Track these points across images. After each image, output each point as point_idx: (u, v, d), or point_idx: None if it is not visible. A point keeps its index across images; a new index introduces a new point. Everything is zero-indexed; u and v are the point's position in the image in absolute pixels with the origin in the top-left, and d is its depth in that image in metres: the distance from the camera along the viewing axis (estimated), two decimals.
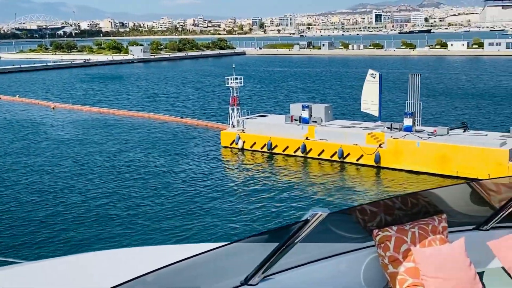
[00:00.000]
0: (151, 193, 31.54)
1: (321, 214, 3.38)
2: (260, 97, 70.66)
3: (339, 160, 36.92)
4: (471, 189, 4.54)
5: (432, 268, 3.94)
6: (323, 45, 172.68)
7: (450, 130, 35.14)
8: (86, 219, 27.26)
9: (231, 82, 44.20)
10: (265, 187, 32.51)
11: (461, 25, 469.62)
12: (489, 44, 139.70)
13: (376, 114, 39.56)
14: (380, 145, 35.52)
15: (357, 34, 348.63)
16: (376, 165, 35.34)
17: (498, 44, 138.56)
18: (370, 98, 39.58)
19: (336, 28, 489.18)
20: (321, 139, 38.31)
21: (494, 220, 4.56)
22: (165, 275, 3.20)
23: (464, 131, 35.23)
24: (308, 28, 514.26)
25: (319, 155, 38.01)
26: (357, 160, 36.32)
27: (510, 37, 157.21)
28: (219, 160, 39.31)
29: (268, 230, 3.90)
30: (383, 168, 35.16)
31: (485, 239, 4.43)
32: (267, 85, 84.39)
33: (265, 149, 40.35)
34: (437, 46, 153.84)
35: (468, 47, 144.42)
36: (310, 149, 38.38)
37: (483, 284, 4.14)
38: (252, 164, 38.19)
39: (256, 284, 3.73)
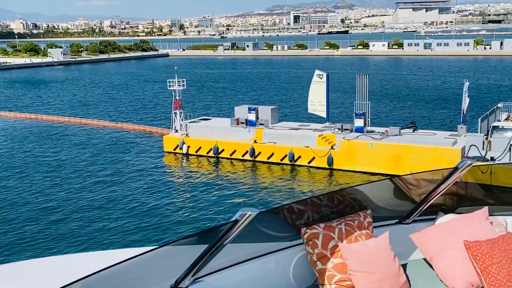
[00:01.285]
0: (89, 200, 30.07)
1: (250, 214, 3.37)
2: (196, 100, 69.02)
3: (290, 163, 36.39)
4: (393, 185, 4.79)
5: (359, 263, 4.03)
6: (248, 46, 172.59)
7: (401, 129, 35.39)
8: (20, 228, 25.82)
9: (174, 85, 42.76)
10: (210, 192, 31.55)
11: (376, 26, 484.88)
12: (408, 44, 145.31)
13: (324, 115, 39.37)
14: (332, 147, 35.24)
15: (277, 35, 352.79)
16: (329, 167, 35.05)
17: (417, 44, 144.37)
18: (317, 99, 39.36)
19: (255, 29, 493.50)
20: (270, 142, 37.63)
21: (415, 213, 4.73)
22: (91, 283, 3.07)
23: (413, 131, 35.57)
24: (228, 29, 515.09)
25: (268, 158, 37.31)
26: (309, 162, 35.89)
27: (427, 38, 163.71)
28: (162, 166, 37.84)
29: (197, 232, 3.83)
30: (336, 170, 34.91)
31: (407, 232, 4.57)
32: (199, 88, 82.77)
33: (211, 154, 39.22)
34: (359, 47, 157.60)
35: (389, 47, 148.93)
36: (259, 153, 37.62)
37: (406, 275, 4.31)
38: (197, 169, 36.99)
39: (186, 287, 3.69)
